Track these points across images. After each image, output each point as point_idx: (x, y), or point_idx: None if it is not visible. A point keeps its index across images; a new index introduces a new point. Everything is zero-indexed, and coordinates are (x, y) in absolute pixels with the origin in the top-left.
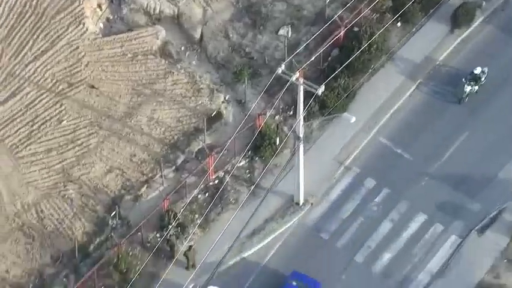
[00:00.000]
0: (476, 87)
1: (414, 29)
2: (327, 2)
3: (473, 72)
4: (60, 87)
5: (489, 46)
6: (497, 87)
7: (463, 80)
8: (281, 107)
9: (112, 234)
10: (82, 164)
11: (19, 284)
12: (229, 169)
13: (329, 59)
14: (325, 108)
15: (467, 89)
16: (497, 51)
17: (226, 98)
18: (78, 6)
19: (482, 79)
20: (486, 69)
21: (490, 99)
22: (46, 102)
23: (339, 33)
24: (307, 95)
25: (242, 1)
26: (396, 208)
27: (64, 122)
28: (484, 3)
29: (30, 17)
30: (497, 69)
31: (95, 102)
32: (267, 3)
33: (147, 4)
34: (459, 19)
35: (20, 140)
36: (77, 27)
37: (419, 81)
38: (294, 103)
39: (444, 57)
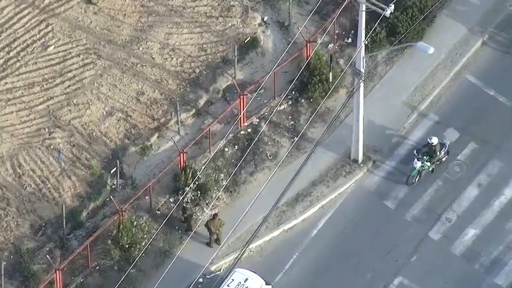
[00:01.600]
0: (429, 165)
1: None
2: None
3: (427, 144)
4: (47, 1)
5: None
6: None
7: (415, 153)
8: (336, 32)
9: (111, 197)
10: (73, 104)
11: None
12: (266, 114)
13: None
14: (395, 35)
15: (417, 165)
16: None
17: (265, 20)
18: None
19: (442, 154)
20: (448, 142)
21: None
22: (28, 21)
23: None
24: (372, 17)
25: None
26: (486, 169)
27: (51, 48)
28: None
29: None
30: None
31: (92, 22)
32: None
33: None
34: None
35: None
36: None
37: None
38: (354, 27)
39: None
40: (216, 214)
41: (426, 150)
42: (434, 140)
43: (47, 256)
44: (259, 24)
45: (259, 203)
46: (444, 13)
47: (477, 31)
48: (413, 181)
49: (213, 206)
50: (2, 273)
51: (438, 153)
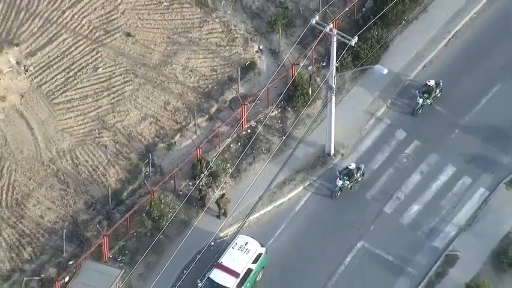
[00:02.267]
0: (429, 101)
1: None
2: None
3: (426, 84)
4: (97, 34)
5: None
6: None
7: (416, 91)
8: (314, 57)
9: (145, 181)
10: (116, 111)
11: (53, 229)
12: (261, 119)
13: (363, 10)
14: (358, 59)
15: (420, 101)
16: None
17: (260, 48)
18: None
19: (437, 92)
20: (441, 82)
21: None
22: (82, 49)
23: None
24: (341, 46)
25: None
26: (426, 160)
27: (100, 69)
28: None
29: None
30: None
31: (131, 50)
32: None
33: None
34: None
35: (56, 86)
36: None
37: (454, 31)
38: (327, 54)
39: (480, 8)
40: (223, 194)
41: (346, 173)
42: (352, 166)
43: (97, 225)
44: (256, 51)
45: (256, 186)
46: (396, 41)
47: (422, 55)
48: (336, 195)
49: (221, 188)
50: (64, 238)
51: (355, 175)
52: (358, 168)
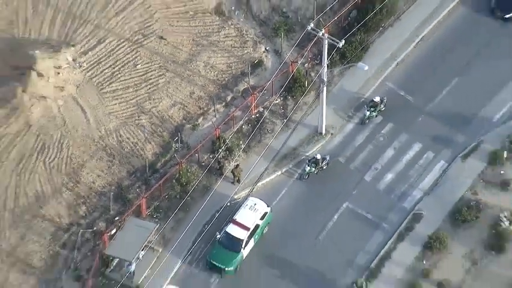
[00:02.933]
0: (375, 113)
1: None
2: None
3: (373, 100)
4: (136, 37)
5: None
6: (485, 46)
7: (365, 106)
8: (310, 56)
9: (175, 155)
10: (152, 99)
11: (102, 192)
12: (267, 105)
13: (349, 19)
14: (344, 58)
15: (367, 113)
16: None
17: (266, 49)
18: None
19: (381, 106)
20: (385, 98)
21: (479, 52)
22: (125, 49)
23: None
24: (331, 47)
25: None
26: (398, 139)
27: (139, 65)
28: None
29: None
30: None
31: (163, 50)
32: None
33: None
34: None
35: (104, 79)
36: None
37: (422, 35)
38: (320, 54)
39: (443, 16)
40: (237, 165)
41: (314, 161)
42: (318, 156)
43: (137, 189)
44: (263, 52)
45: (263, 159)
46: (375, 44)
47: (396, 55)
48: (305, 178)
49: (235, 160)
50: (111, 199)
51: (320, 164)
52: (323, 159)
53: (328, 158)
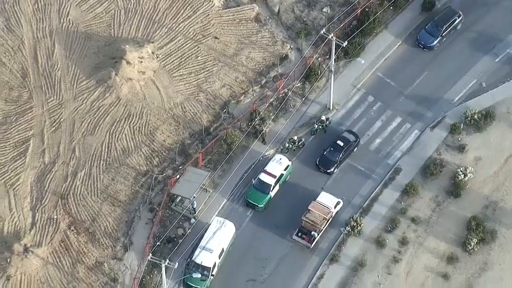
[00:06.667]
0: (321, 127)
1: (400, 10)
2: None
3: (320, 118)
4: (198, 37)
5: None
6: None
7: (315, 121)
8: (322, 53)
9: (223, 122)
10: (208, 81)
11: (170, 148)
12: (290, 88)
13: (350, 26)
14: (347, 54)
15: (316, 127)
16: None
17: (291, 47)
18: None
19: (327, 122)
20: (330, 117)
21: (448, 47)
22: (189, 46)
23: (357, 11)
24: (337, 46)
25: None
26: (384, 113)
27: (199, 57)
28: None
29: None
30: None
31: (217, 46)
32: None
33: None
34: (426, 4)
35: (174, 66)
36: (208, 3)
37: (402, 39)
38: (329, 51)
39: (417, 25)
40: (265, 131)
41: (320, 120)
42: (323, 117)
43: (195, 147)
44: (289, 49)
45: (287, 126)
46: (369, 45)
47: (385, 53)
48: (315, 133)
49: (266, 127)
50: (176, 153)
51: (325, 123)
52: (327, 119)
53: (330, 118)
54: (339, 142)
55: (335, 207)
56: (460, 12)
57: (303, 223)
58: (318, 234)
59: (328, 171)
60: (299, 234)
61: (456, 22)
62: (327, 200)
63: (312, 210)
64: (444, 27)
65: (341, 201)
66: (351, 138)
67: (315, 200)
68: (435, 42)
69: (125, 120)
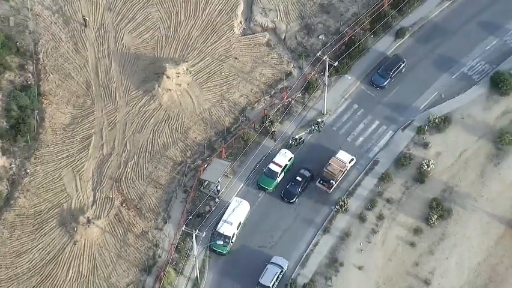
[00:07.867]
0: (317, 129)
1: (378, 38)
2: (341, 24)
3: (294, 137)
4: (222, 57)
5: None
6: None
7: (292, 137)
8: (318, 70)
9: (241, 124)
10: (229, 92)
11: (200, 143)
12: (293, 97)
13: (341, 50)
14: (338, 72)
15: (313, 127)
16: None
17: (294, 66)
18: (232, 21)
19: (322, 125)
20: (303, 137)
21: (415, 66)
22: (215, 64)
23: (345, 39)
24: (330, 65)
25: (302, 22)
26: (366, 118)
27: (222, 73)
28: (409, 28)
29: (208, 25)
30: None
31: (237, 65)
32: (315, 23)
33: (261, 23)
34: (399, 33)
35: (203, 80)
36: (230, 31)
37: (381, 59)
38: (324, 69)
39: (392, 51)
40: (274, 131)
41: (316, 122)
42: (319, 119)
43: (219, 143)
44: (292, 67)
45: (293, 124)
46: (355, 65)
47: (366, 71)
48: (313, 132)
49: (274, 127)
50: (205, 147)
51: (298, 140)
52: (322, 121)
53: (324, 121)
54: (298, 178)
55: (349, 162)
56: (404, 59)
57: (324, 173)
58: (335, 183)
59: (291, 201)
60: (321, 182)
61: (401, 67)
62: (344, 157)
63: (331, 163)
64: (392, 71)
65: (354, 158)
66: (307, 174)
67: (334, 156)
68: (385, 83)
69: (165, 121)
